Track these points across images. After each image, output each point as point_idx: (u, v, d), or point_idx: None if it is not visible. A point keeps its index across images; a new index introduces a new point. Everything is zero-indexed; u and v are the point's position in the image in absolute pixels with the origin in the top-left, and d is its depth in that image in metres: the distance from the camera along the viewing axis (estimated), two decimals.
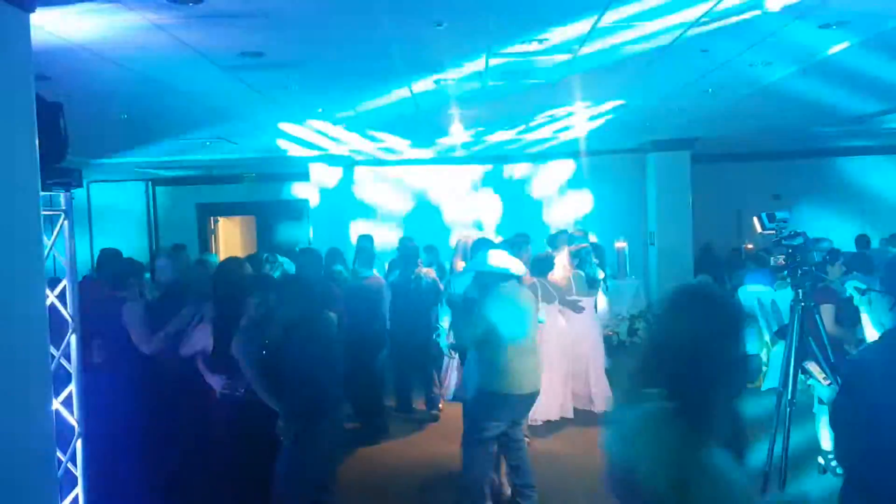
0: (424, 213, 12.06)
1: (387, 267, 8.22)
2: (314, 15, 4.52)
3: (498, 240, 6.40)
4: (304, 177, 11.97)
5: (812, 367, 3.20)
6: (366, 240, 8.48)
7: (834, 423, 3.07)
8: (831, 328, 4.96)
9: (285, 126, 8.61)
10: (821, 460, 5.34)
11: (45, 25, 4.19)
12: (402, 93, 6.87)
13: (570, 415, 6.95)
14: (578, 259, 7.29)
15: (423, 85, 6.57)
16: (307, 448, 4.06)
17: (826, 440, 5.21)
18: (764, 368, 7.71)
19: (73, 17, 4.18)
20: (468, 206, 11.98)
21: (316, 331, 4.25)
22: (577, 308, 6.97)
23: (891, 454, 2.37)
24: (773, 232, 4.17)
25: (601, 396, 7.16)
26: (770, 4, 3.90)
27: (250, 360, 4.13)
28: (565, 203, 12.00)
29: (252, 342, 4.18)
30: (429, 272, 7.53)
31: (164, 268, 5.55)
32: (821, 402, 4.72)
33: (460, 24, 4.79)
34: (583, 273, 7.21)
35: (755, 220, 4.31)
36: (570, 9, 4.58)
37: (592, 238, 9.62)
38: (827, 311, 5.01)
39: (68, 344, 3.61)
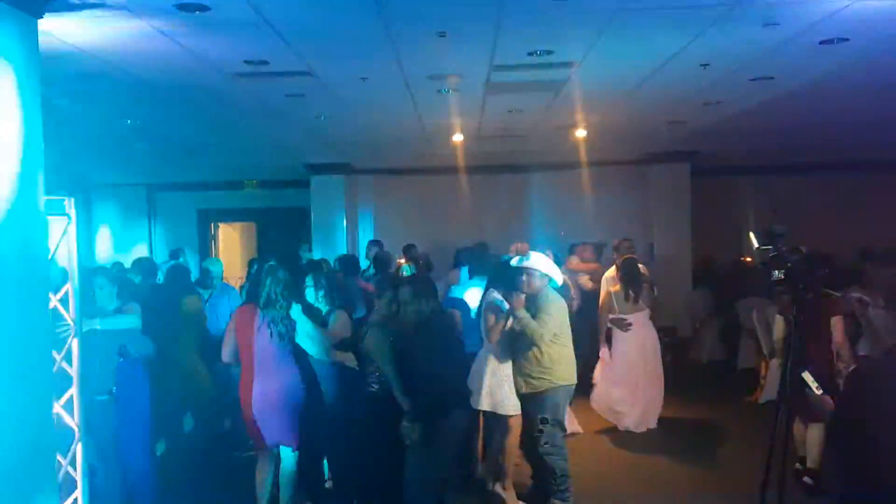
0: (427, 221, 12.06)
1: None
2: (318, 24, 4.56)
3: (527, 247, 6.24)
4: (305, 184, 12.00)
5: (807, 376, 3.20)
6: (377, 245, 8.60)
7: (834, 434, 3.08)
8: (841, 339, 4.99)
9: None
10: (807, 480, 5.28)
11: (54, 31, 4.23)
12: (404, 100, 6.91)
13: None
14: (624, 271, 6.75)
15: (426, 93, 6.61)
16: (436, 446, 4.14)
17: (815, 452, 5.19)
18: (762, 382, 7.72)
19: (80, 24, 4.22)
20: (471, 217, 11.98)
21: (442, 327, 4.32)
22: (623, 327, 6.66)
23: (891, 465, 2.38)
24: (770, 247, 4.17)
25: (638, 418, 6.77)
26: None
27: (387, 355, 4.26)
28: (565, 214, 12.00)
29: (387, 338, 4.32)
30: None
31: None
32: (817, 414, 4.71)
33: (463, 34, 4.83)
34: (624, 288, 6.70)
35: (751, 235, 4.30)
36: (573, 22, 4.63)
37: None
38: (838, 324, 5.05)
39: (70, 347, 3.63)
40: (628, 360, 6.72)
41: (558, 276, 4.92)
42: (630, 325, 6.68)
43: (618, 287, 6.76)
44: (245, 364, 4.61)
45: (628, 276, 6.73)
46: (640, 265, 7.17)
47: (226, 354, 4.71)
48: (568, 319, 4.97)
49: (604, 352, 6.88)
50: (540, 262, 4.82)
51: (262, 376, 4.55)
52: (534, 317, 4.67)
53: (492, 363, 4.91)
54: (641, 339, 6.74)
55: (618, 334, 6.74)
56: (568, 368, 4.86)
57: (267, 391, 4.53)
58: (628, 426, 6.79)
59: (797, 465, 5.32)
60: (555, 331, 4.76)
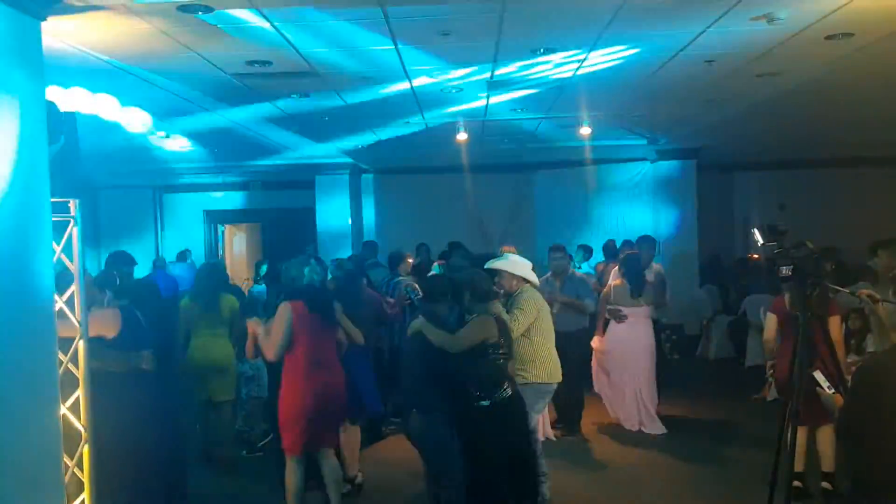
0: (432, 221, 12.06)
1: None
2: (321, 25, 4.56)
3: (512, 250, 6.09)
4: (311, 185, 12.02)
5: (818, 375, 3.17)
6: (373, 246, 8.53)
7: (842, 432, 3.06)
8: (838, 339, 4.93)
9: None
10: (826, 484, 5.19)
11: (57, 33, 4.24)
12: (407, 99, 6.90)
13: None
14: (625, 267, 6.79)
15: (429, 91, 6.60)
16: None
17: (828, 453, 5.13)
18: (770, 380, 7.69)
19: (83, 26, 4.23)
20: (476, 216, 11.98)
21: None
22: (617, 316, 6.67)
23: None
24: (774, 243, 4.13)
25: (627, 414, 6.74)
26: None
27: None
28: (571, 212, 11.99)
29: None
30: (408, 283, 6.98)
31: None
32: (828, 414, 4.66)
33: (467, 35, 4.83)
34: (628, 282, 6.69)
35: (755, 231, 4.26)
36: (577, 21, 4.61)
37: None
38: (834, 323, 5.00)
39: (76, 349, 3.63)
40: (617, 353, 6.73)
41: (534, 279, 4.93)
42: (625, 316, 6.65)
43: (620, 281, 6.78)
44: (296, 363, 4.37)
45: (629, 272, 6.73)
46: (654, 264, 7.26)
47: (274, 353, 4.35)
48: (550, 319, 4.93)
49: (595, 340, 6.90)
50: (510, 265, 4.85)
51: (317, 375, 4.37)
52: (508, 312, 4.66)
53: None
54: (635, 336, 6.68)
55: (612, 325, 6.77)
56: (544, 367, 4.79)
57: (324, 390, 4.37)
58: (622, 421, 6.80)
59: (823, 483, 5.05)
60: (529, 328, 4.73)
